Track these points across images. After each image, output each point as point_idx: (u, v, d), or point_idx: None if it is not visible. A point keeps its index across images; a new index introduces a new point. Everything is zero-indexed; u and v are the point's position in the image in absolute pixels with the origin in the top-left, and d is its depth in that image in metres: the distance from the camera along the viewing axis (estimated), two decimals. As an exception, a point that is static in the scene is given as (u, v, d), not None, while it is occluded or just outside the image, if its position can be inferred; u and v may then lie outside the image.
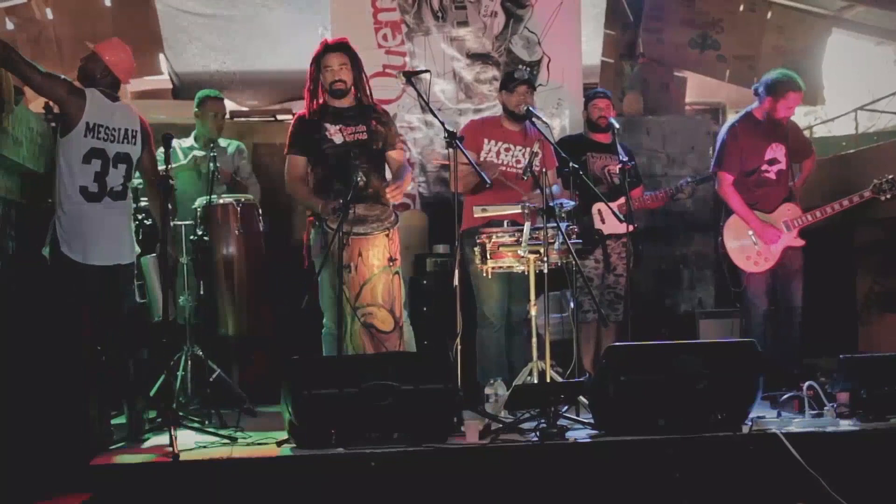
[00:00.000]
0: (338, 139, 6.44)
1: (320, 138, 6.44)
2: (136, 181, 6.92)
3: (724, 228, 7.37)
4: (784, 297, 7.36)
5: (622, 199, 7.00)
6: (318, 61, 6.49)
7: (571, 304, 6.55)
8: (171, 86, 9.92)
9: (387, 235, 6.31)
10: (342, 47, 6.50)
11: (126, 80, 6.34)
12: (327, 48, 6.50)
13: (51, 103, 6.28)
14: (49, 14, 9.13)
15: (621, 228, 7.13)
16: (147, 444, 5.67)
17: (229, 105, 10.15)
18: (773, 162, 7.35)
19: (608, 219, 7.38)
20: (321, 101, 6.55)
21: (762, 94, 7.33)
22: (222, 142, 7.82)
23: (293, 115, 9.88)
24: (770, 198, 7.35)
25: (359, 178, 6.08)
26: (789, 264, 7.32)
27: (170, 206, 6.26)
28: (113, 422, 6.03)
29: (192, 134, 7.76)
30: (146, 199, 6.72)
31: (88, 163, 5.96)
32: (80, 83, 6.23)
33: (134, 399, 6.08)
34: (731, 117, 7.53)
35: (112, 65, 6.15)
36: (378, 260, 6.27)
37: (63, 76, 6.05)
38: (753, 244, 7.26)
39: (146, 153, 6.27)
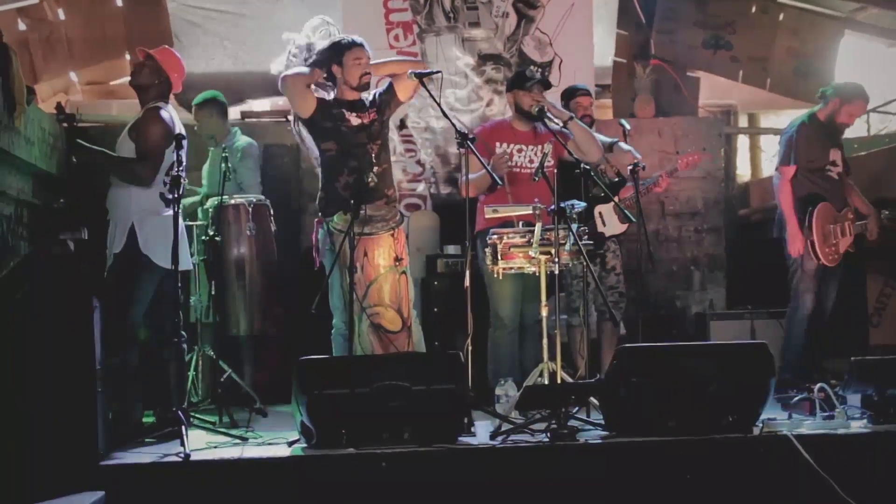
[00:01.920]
0: (354, 121, 6.38)
1: (338, 115, 6.37)
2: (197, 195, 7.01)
3: (813, 216, 7.30)
4: (821, 299, 7.41)
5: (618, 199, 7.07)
6: (347, 54, 6.39)
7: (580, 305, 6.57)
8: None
9: (392, 235, 6.33)
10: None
11: (179, 87, 6.37)
12: (355, 43, 6.44)
13: (64, 104, 6.29)
14: (61, 14, 9.15)
15: (621, 229, 7.14)
16: (159, 444, 5.67)
17: (240, 105, 10.19)
18: (834, 164, 7.42)
19: (609, 221, 7.38)
20: (334, 95, 6.50)
21: (830, 95, 7.42)
22: (233, 140, 7.81)
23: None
24: (834, 195, 7.41)
25: (370, 179, 6.09)
26: (832, 270, 7.38)
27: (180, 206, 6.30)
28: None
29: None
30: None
31: (167, 175, 6.01)
32: (134, 87, 6.26)
33: (171, 398, 6.13)
34: (797, 116, 7.56)
35: (170, 69, 6.22)
36: (384, 260, 6.28)
37: (154, 128, 6.09)
38: (833, 236, 7.31)
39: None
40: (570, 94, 7.69)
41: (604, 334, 7.55)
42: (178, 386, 6.17)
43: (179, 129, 6.16)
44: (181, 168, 5.98)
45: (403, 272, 6.39)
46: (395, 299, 6.31)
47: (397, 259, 6.33)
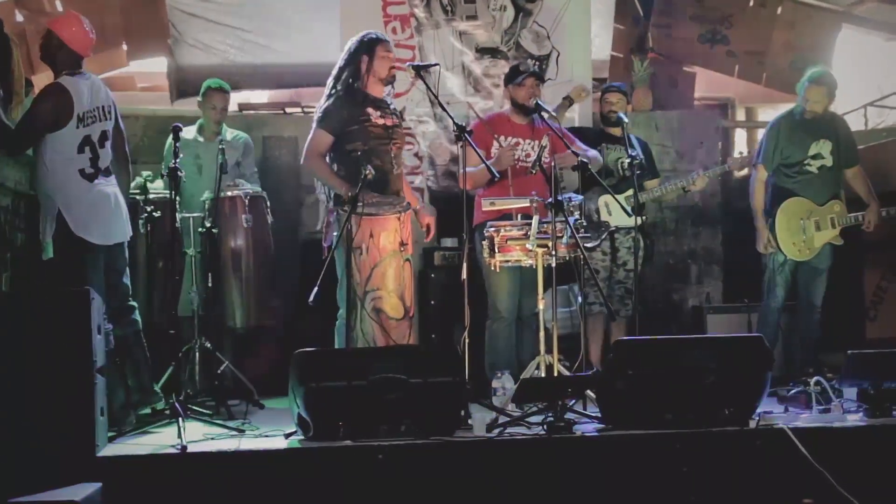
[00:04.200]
0: (379, 121, 6.44)
1: (364, 118, 6.40)
2: (146, 174, 6.95)
3: (778, 211, 7.39)
4: (806, 293, 7.45)
5: (629, 192, 7.05)
6: (374, 48, 6.45)
7: (579, 298, 6.58)
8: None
9: (398, 218, 6.33)
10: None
11: (86, 53, 6.20)
12: (385, 39, 6.55)
13: None
14: (59, 6, 9.13)
15: (629, 221, 7.14)
16: (155, 436, 5.68)
17: (238, 97, 10.16)
18: (816, 157, 7.40)
19: (615, 211, 7.38)
20: (363, 86, 6.51)
21: (798, 89, 7.48)
22: (228, 134, 7.77)
23: (301, 108, 9.92)
24: (811, 189, 7.41)
25: (367, 172, 6.08)
26: (818, 262, 7.40)
27: (178, 198, 6.28)
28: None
29: (198, 122, 7.72)
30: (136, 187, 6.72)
31: (83, 151, 5.97)
32: (43, 61, 6.21)
33: (144, 375, 6.12)
34: (778, 113, 7.68)
35: (68, 41, 6.06)
36: (390, 243, 6.29)
37: (37, 97, 6.05)
38: (802, 231, 7.32)
39: (116, 128, 6.27)
40: (602, 91, 7.94)
41: (611, 327, 7.56)
42: (147, 360, 6.19)
43: (102, 101, 6.13)
44: (177, 160, 5.98)
45: (407, 259, 6.40)
46: (398, 286, 6.31)
47: (402, 244, 6.33)
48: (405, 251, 6.36)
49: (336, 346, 6.32)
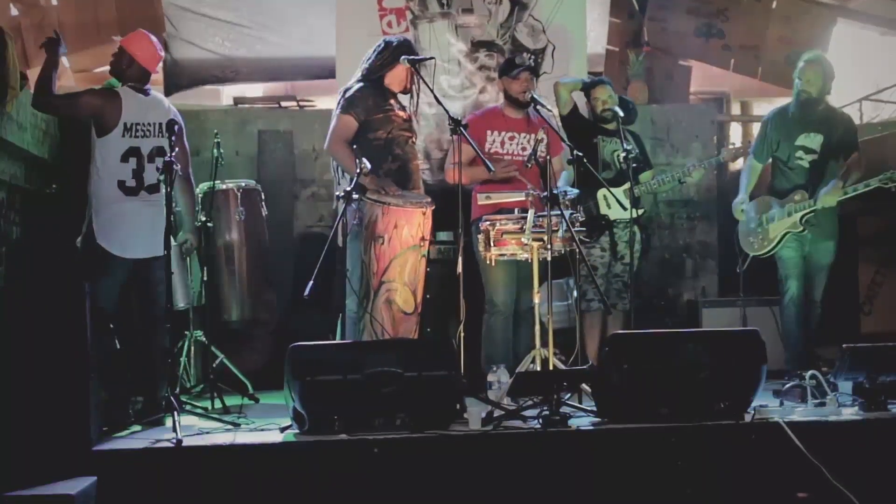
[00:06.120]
0: (400, 113, 6.65)
1: (388, 108, 6.57)
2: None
3: (743, 212, 7.45)
4: (807, 288, 7.39)
5: (627, 185, 7.03)
6: (407, 57, 6.55)
7: (575, 293, 6.59)
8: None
9: (423, 213, 6.34)
10: None
11: (154, 69, 6.37)
12: (414, 51, 6.71)
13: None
14: (53, 0, 9.13)
15: (627, 214, 7.13)
16: (151, 430, 5.67)
17: (233, 91, 10.16)
18: (808, 151, 7.31)
19: (614, 204, 7.35)
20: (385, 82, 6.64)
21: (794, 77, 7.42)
22: None
23: (296, 101, 9.92)
24: (800, 185, 7.32)
25: (363, 166, 6.08)
26: (818, 259, 7.31)
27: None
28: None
29: None
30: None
31: (126, 161, 6.04)
32: (111, 74, 6.29)
33: (158, 384, 6.11)
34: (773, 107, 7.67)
35: (139, 58, 6.22)
36: (411, 237, 6.28)
37: (91, 87, 6.12)
38: (757, 227, 7.32)
39: (179, 146, 6.26)
40: (585, 87, 7.71)
41: (608, 321, 7.54)
42: (164, 372, 6.19)
43: (160, 118, 6.15)
44: (172, 154, 5.97)
45: (424, 256, 6.40)
46: (412, 280, 6.32)
47: (423, 239, 6.34)
48: (423, 246, 6.37)
49: (339, 336, 6.32)
